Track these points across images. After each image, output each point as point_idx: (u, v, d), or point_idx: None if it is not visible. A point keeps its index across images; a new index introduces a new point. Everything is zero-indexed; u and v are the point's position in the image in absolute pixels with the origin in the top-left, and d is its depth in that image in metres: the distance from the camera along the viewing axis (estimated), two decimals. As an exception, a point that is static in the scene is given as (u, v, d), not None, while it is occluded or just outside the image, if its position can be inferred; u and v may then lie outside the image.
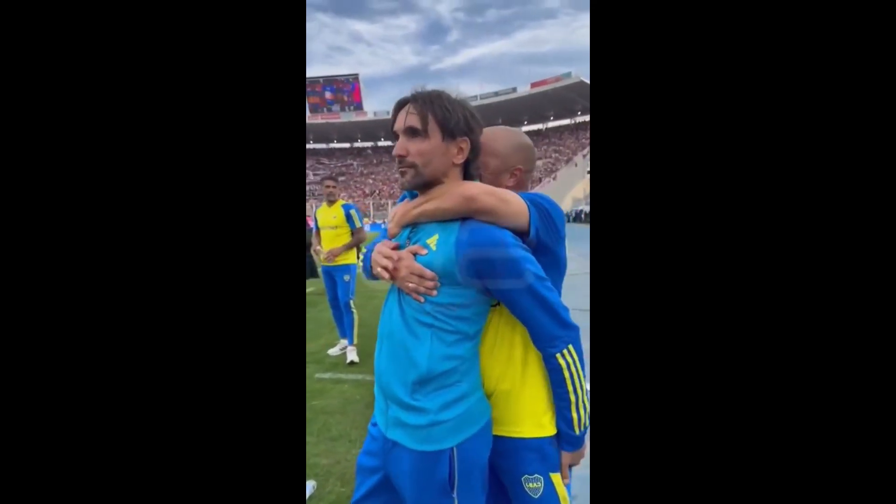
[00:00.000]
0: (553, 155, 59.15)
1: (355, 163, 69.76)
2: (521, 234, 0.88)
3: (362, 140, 75.13)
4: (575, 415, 0.93)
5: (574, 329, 0.91)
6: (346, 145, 75.74)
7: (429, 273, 0.87)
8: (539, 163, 57.10)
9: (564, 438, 0.95)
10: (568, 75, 56.72)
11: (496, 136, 1.02)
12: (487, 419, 0.95)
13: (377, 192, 61.01)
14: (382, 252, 0.94)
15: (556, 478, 0.99)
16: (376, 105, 74.88)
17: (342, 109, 69.12)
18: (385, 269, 0.92)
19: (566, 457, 0.96)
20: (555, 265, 0.94)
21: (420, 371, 0.88)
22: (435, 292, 0.87)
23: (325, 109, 69.35)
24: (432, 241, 0.89)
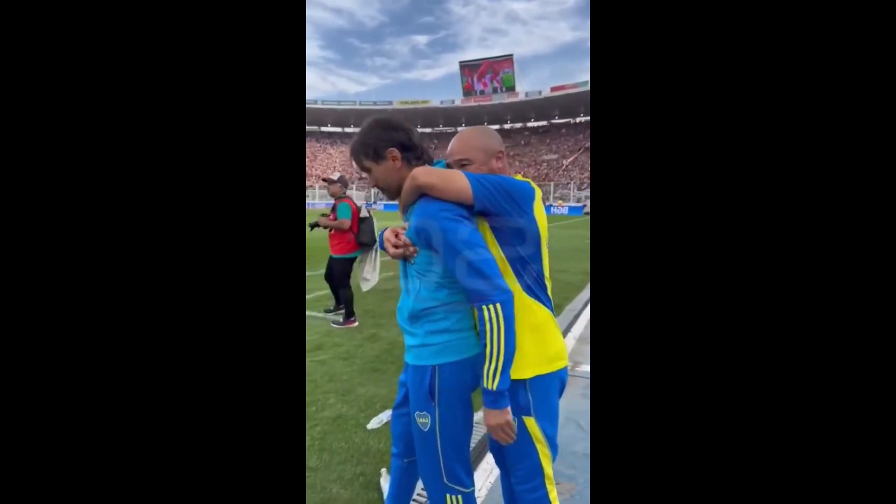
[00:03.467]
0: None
1: (504, 144, 69.84)
2: (469, 206, 1.14)
3: (511, 122, 74.84)
4: (488, 368, 1.06)
5: (503, 292, 1.05)
6: (496, 126, 76.48)
7: (409, 242, 1.21)
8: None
9: (482, 393, 1.10)
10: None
11: (472, 135, 1.33)
12: (471, 355, 1.18)
13: (521, 173, 60.27)
14: (388, 232, 1.30)
15: (528, 420, 1.15)
16: (528, 86, 73.07)
17: (494, 92, 69.67)
18: (388, 240, 1.27)
19: (486, 415, 1.10)
20: (518, 234, 1.17)
21: (412, 307, 1.21)
22: (415, 256, 1.20)
23: (477, 92, 70.88)
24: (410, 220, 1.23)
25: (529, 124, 76.15)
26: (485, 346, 1.06)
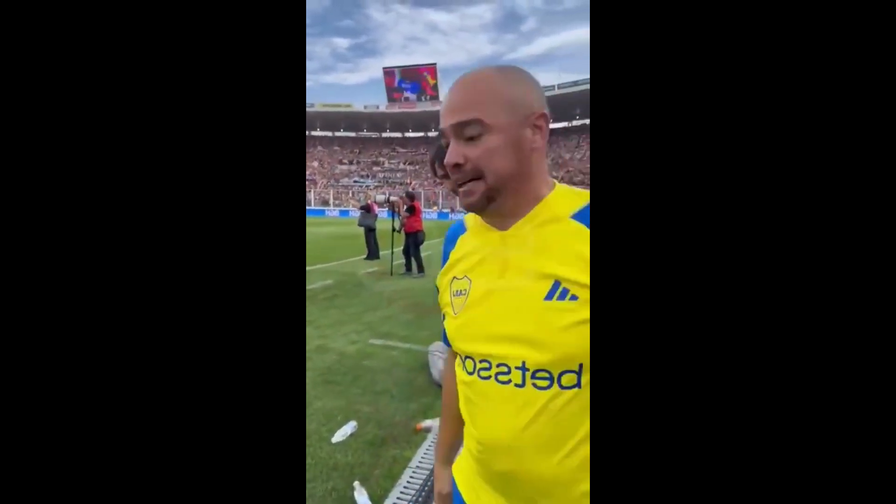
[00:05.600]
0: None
1: (429, 152, 70.52)
2: None
3: (436, 129, 75.53)
4: None
5: None
6: (421, 134, 76.93)
7: None
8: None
9: None
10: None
11: (490, 79, 0.93)
12: None
13: (442, 183, 61.29)
14: None
15: None
16: (452, 94, 73.64)
17: (419, 99, 70.16)
18: None
19: None
20: None
21: None
22: None
23: (402, 99, 70.85)
24: None
25: (454, 133, 77.68)
26: None
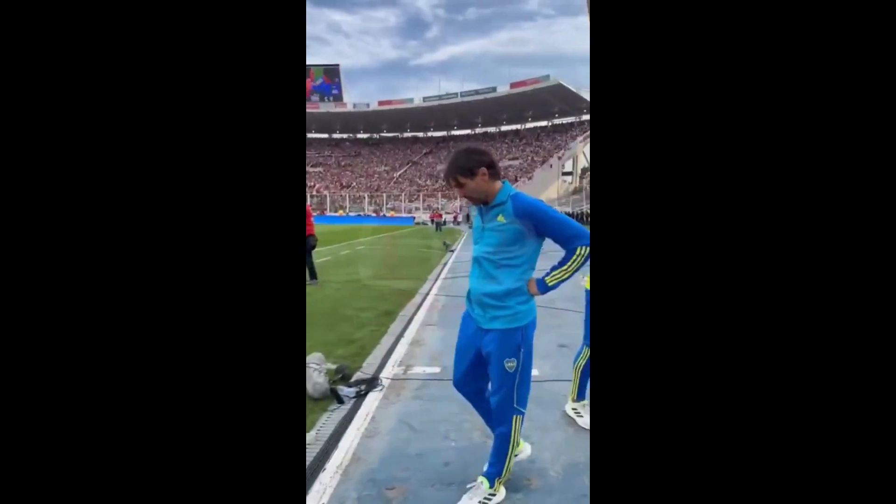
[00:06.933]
0: (530, 156, 59.72)
1: (333, 154, 68.49)
2: None
3: (340, 132, 73.74)
4: (557, 274, 1.72)
5: (584, 236, 1.70)
6: (325, 136, 74.24)
7: None
8: (515, 163, 57.27)
9: (540, 280, 1.76)
10: (546, 78, 58.09)
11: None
12: (534, 315, 1.81)
13: (353, 184, 60.08)
14: None
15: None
16: (356, 97, 73.06)
17: (321, 100, 67.65)
18: None
19: (533, 286, 1.75)
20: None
21: (504, 289, 1.74)
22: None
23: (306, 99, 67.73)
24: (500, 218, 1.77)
25: (360, 136, 76.40)
26: (565, 263, 1.71)
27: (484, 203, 1.76)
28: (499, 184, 1.77)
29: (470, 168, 1.71)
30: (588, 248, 1.67)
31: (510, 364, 1.74)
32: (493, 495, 1.83)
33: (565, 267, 1.70)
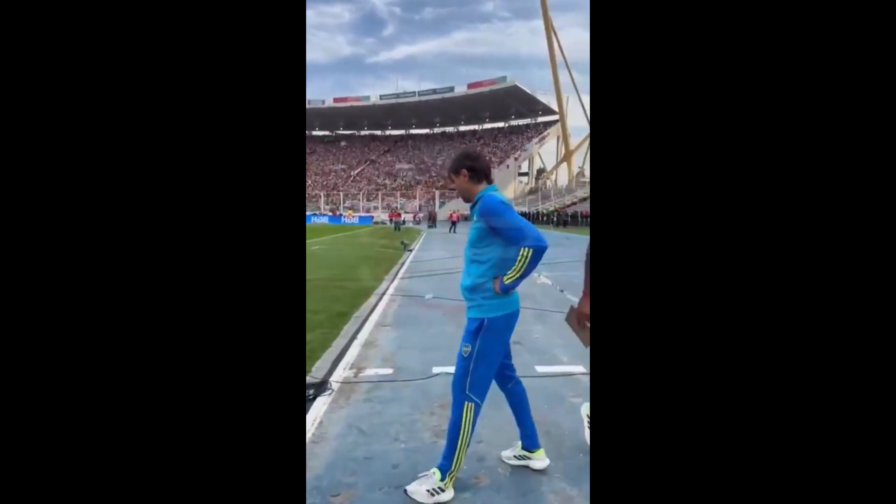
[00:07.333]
0: (488, 156, 60.36)
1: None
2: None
3: (295, 128, 71.38)
4: (510, 274, 1.83)
5: (528, 238, 1.81)
6: (277, 133, 71.54)
7: None
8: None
9: (500, 280, 1.88)
10: (503, 79, 58.87)
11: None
12: (508, 312, 1.93)
13: (309, 182, 58.44)
14: None
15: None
16: (310, 93, 70.89)
17: (273, 95, 65.30)
18: None
19: (496, 284, 1.89)
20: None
21: (472, 283, 1.93)
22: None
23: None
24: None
25: (315, 133, 74.39)
26: (514, 263, 1.82)
27: (468, 202, 2.02)
28: (483, 185, 1.97)
29: (455, 169, 2.01)
30: (530, 250, 1.80)
31: (466, 348, 1.94)
32: (443, 490, 1.88)
33: (514, 268, 1.82)
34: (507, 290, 1.86)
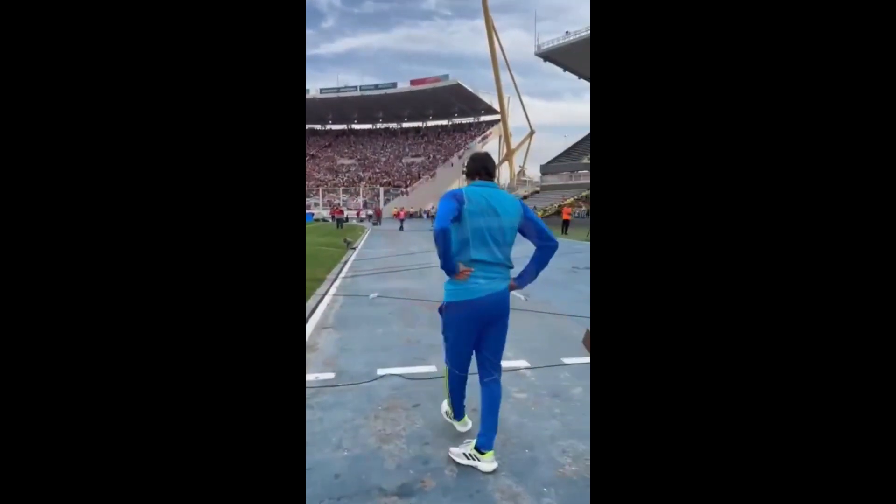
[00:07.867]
0: (433, 153, 60.66)
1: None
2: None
3: (227, 120, 67.33)
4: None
5: (438, 228, 1.89)
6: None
7: None
8: (418, 160, 57.80)
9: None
10: (446, 77, 59.09)
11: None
12: (466, 299, 2.03)
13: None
14: None
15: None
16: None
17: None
18: None
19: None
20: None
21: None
22: None
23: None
24: None
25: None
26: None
27: None
28: (470, 181, 2.21)
29: (463, 171, 2.51)
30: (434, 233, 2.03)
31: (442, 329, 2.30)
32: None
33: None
34: (449, 273, 2.04)
